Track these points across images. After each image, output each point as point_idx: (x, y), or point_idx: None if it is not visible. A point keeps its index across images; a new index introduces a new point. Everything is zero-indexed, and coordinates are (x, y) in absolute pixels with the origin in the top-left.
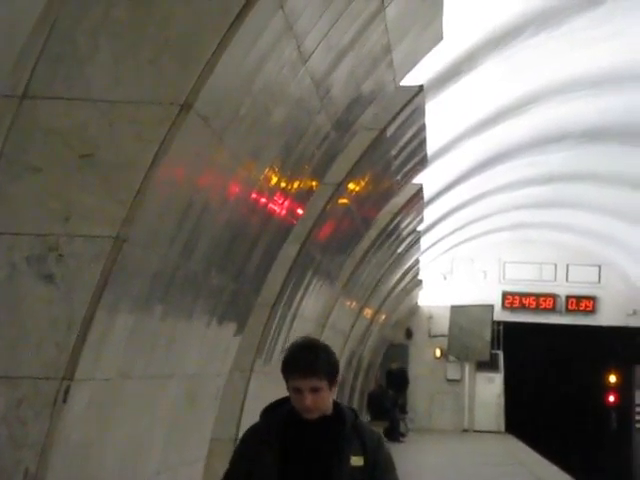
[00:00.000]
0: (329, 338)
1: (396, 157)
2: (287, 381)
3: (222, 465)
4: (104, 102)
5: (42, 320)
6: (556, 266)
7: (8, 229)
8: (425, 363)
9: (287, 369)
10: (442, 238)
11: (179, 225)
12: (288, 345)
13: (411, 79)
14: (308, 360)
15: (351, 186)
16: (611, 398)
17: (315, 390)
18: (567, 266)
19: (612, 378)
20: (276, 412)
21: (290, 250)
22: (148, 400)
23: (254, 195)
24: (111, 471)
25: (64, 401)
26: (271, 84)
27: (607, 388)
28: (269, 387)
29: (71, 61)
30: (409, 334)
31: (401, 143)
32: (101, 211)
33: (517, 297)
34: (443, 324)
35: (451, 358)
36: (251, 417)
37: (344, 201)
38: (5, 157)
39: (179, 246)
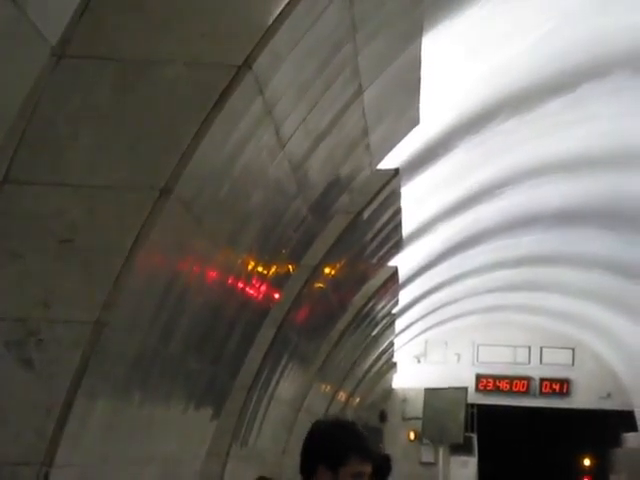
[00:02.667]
0: (303, 421)
1: (372, 240)
2: (338, 467)
3: None
4: (84, 187)
5: (21, 405)
6: (530, 349)
7: None
8: (399, 446)
9: (349, 452)
10: (416, 321)
11: (158, 309)
12: (322, 425)
13: (387, 162)
14: (369, 441)
15: (327, 269)
16: None
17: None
18: (541, 349)
19: (586, 462)
20: None
21: (267, 333)
22: None
23: (232, 279)
24: None
25: None
26: (250, 168)
27: (582, 471)
28: (245, 471)
29: (52, 146)
30: (383, 417)
31: (377, 226)
32: (81, 296)
33: (491, 380)
34: (417, 407)
35: (425, 441)
36: None
37: (320, 284)
38: None
39: (158, 330)
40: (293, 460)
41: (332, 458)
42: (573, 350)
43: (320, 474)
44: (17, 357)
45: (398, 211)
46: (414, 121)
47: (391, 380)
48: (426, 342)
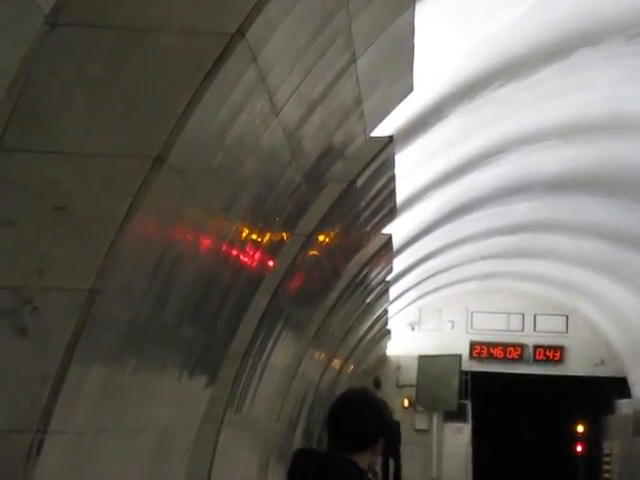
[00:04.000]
0: (297, 389)
1: (366, 208)
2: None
3: None
4: (77, 155)
5: (16, 373)
6: (524, 316)
7: None
8: (393, 413)
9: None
10: (410, 288)
11: (152, 277)
12: (375, 398)
13: (381, 130)
14: None
15: (321, 237)
16: (579, 448)
17: None
18: (534, 316)
19: (580, 428)
20: None
21: (260, 301)
22: (120, 453)
23: (226, 247)
24: None
25: (38, 454)
26: (243, 136)
27: (575, 438)
28: (240, 438)
29: (45, 114)
30: (377, 384)
31: (371, 194)
32: (75, 264)
33: (485, 347)
34: (411, 374)
35: (419, 408)
36: (221, 468)
37: (314, 252)
38: None
39: (151, 298)
40: (286, 427)
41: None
42: (567, 317)
43: (379, 445)
44: (11, 325)
45: (392, 178)
46: (408, 88)
47: (385, 347)
48: (420, 309)
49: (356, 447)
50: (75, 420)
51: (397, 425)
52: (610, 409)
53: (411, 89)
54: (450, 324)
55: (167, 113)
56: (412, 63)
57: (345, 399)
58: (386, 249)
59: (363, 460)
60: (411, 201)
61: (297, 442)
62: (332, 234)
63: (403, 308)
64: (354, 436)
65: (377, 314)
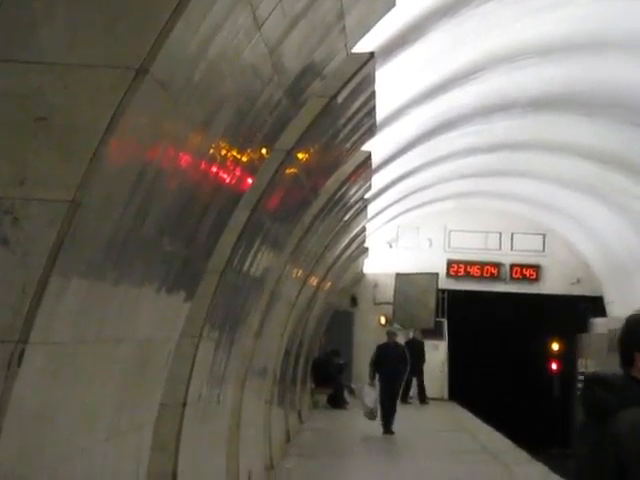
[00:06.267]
0: (276, 306)
1: (345, 125)
2: None
3: (170, 430)
4: (59, 65)
5: None
6: (501, 235)
7: None
8: (370, 330)
9: None
10: (388, 206)
11: (133, 190)
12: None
13: (362, 46)
14: None
15: (300, 154)
16: (554, 366)
17: None
18: (512, 235)
19: (555, 346)
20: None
21: (240, 216)
22: (100, 365)
23: (206, 162)
24: (63, 435)
25: (19, 364)
26: (226, 50)
27: (550, 356)
28: (218, 353)
29: (27, 24)
30: (354, 301)
31: (351, 110)
32: (56, 175)
33: (462, 265)
34: (388, 292)
35: (396, 325)
36: (199, 382)
37: (293, 169)
38: None
39: (132, 211)
40: (265, 343)
41: None
42: (544, 236)
43: (637, 360)
44: None
45: (372, 95)
46: (390, 3)
47: (362, 265)
48: (398, 227)
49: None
50: (56, 331)
51: (421, 345)
52: (585, 327)
53: (393, 4)
54: (428, 242)
55: (149, 24)
56: None
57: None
58: (365, 166)
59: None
60: (391, 118)
61: (274, 359)
62: (312, 151)
63: (381, 226)
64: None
65: (355, 232)
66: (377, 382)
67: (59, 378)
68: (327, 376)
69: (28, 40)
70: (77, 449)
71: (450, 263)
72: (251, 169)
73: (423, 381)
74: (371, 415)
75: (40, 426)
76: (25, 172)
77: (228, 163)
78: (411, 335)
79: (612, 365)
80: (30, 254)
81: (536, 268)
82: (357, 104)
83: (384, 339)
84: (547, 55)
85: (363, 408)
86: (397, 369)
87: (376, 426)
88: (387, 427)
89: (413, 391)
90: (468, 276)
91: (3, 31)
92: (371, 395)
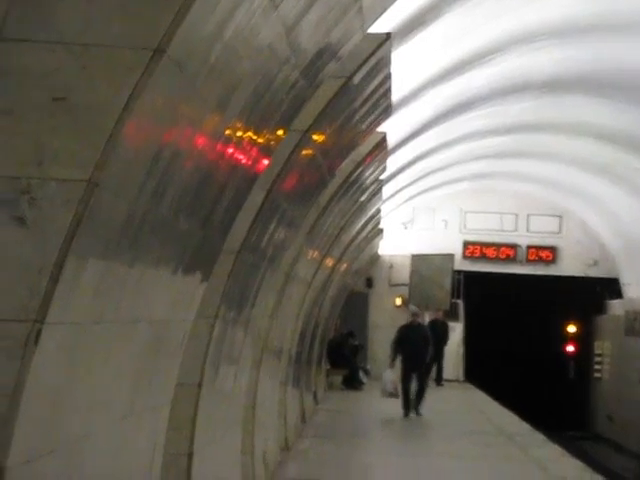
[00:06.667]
0: (291, 286)
1: (361, 106)
2: None
3: (186, 410)
4: (77, 45)
5: (14, 263)
6: (517, 216)
7: None
8: (385, 311)
9: None
10: (404, 187)
11: (149, 170)
12: None
13: (378, 27)
14: None
15: (316, 135)
16: (570, 348)
17: None
18: (528, 216)
19: (571, 328)
20: None
21: (256, 198)
22: (116, 345)
23: (223, 142)
24: (80, 414)
25: (35, 344)
26: (243, 30)
27: (566, 338)
28: (234, 333)
29: (44, 4)
30: (370, 283)
31: (367, 91)
32: (73, 155)
33: (478, 247)
34: (404, 273)
35: (412, 307)
36: (214, 363)
37: (309, 150)
38: None
39: (149, 192)
40: (280, 324)
41: None
42: (560, 218)
43: None
44: (9, 215)
45: (388, 76)
46: None
47: (378, 247)
48: (414, 209)
49: None
50: (72, 311)
51: (444, 326)
52: (602, 309)
53: None
54: (443, 224)
55: (167, 4)
56: None
57: None
58: (381, 147)
59: None
60: (407, 99)
61: (290, 340)
62: (327, 132)
63: (397, 207)
64: None
65: (370, 213)
66: (398, 363)
67: (75, 358)
68: (342, 357)
69: (46, 20)
70: (93, 428)
71: (466, 244)
72: (267, 150)
73: (442, 363)
74: (391, 395)
75: (57, 405)
76: (42, 152)
77: (244, 143)
78: (431, 316)
79: (629, 348)
80: (47, 234)
81: (552, 250)
82: (373, 85)
83: (398, 320)
84: (563, 36)
85: (382, 391)
86: (420, 350)
87: (392, 407)
88: (415, 408)
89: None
90: (484, 257)
91: (20, 11)
92: (390, 377)
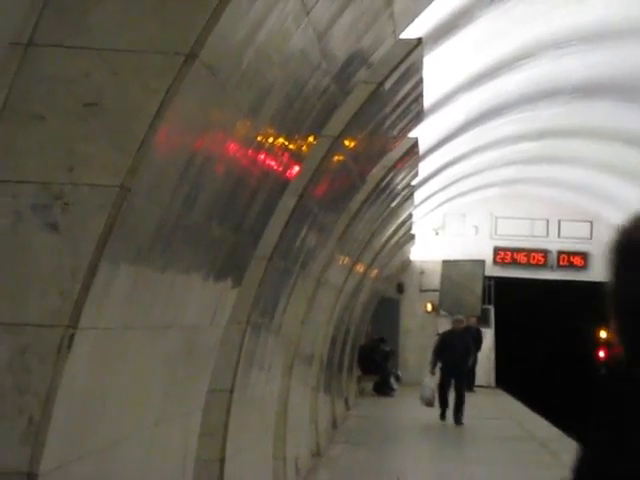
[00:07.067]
0: (322, 292)
1: (393, 111)
2: None
3: (218, 416)
4: (108, 51)
5: (46, 268)
6: (548, 222)
7: (12, 177)
8: (416, 317)
9: None
10: (435, 193)
11: (181, 176)
12: None
13: (410, 32)
14: None
15: (348, 140)
16: (601, 353)
17: None
18: (559, 222)
19: (603, 334)
20: None
21: (287, 203)
22: (148, 351)
23: (255, 148)
24: (111, 420)
25: (68, 349)
26: (274, 35)
27: (597, 344)
28: (265, 339)
29: (76, 9)
30: (400, 289)
31: (398, 97)
32: (105, 160)
33: (508, 252)
34: (434, 279)
35: (442, 313)
36: (245, 369)
37: (340, 155)
38: (9, 105)
39: (181, 197)
40: (311, 330)
41: None
42: (591, 223)
43: None
44: (42, 221)
45: (420, 82)
46: None
47: (409, 252)
48: (444, 214)
49: None
50: (105, 316)
51: (478, 332)
52: None
53: None
54: (474, 229)
55: (199, 9)
56: None
57: None
58: (412, 153)
59: None
60: (438, 105)
61: (321, 345)
62: (359, 137)
63: (428, 213)
64: None
65: (401, 219)
66: (438, 371)
67: (108, 363)
68: (373, 363)
69: (78, 25)
70: (125, 434)
71: (497, 250)
72: (299, 155)
73: (474, 369)
74: (429, 403)
75: (89, 410)
76: (75, 157)
77: (276, 149)
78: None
79: None
80: (80, 239)
81: (583, 255)
82: (404, 91)
83: (429, 326)
84: (594, 41)
85: (420, 397)
86: (460, 358)
87: (424, 413)
88: (454, 417)
89: None
90: (515, 263)
91: (53, 16)
92: (429, 384)
